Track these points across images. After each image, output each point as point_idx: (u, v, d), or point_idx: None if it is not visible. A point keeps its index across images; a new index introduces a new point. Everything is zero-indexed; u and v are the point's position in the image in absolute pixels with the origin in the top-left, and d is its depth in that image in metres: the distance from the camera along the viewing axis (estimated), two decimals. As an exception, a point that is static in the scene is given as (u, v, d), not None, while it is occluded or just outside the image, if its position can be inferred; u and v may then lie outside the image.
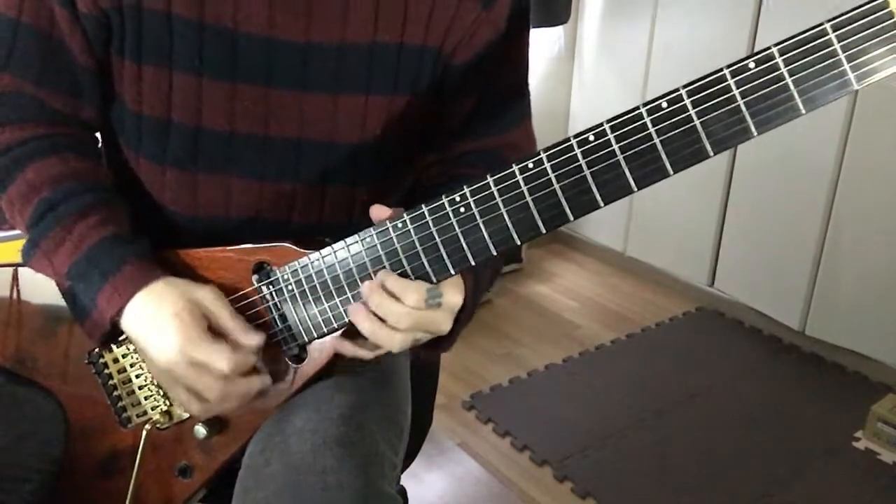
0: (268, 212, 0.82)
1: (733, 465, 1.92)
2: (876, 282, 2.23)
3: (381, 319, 0.70)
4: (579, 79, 3.08)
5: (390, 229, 0.70)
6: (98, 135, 0.86)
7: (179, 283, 0.74)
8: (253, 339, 0.73)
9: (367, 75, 0.79)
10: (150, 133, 0.79)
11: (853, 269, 2.28)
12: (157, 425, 0.80)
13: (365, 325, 0.70)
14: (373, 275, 0.71)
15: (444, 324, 0.71)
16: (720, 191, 2.60)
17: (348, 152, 0.82)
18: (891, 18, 0.53)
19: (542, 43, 2.96)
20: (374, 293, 0.69)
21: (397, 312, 0.69)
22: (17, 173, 0.77)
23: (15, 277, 0.82)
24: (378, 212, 0.71)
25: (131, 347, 0.80)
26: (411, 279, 0.70)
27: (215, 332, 0.73)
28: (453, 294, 0.71)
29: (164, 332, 0.71)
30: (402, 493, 1.07)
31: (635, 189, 0.62)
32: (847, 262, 2.29)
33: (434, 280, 0.70)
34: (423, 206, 0.68)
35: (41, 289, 0.81)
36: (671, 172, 0.60)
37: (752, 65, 0.57)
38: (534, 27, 3.03)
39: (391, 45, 0.79)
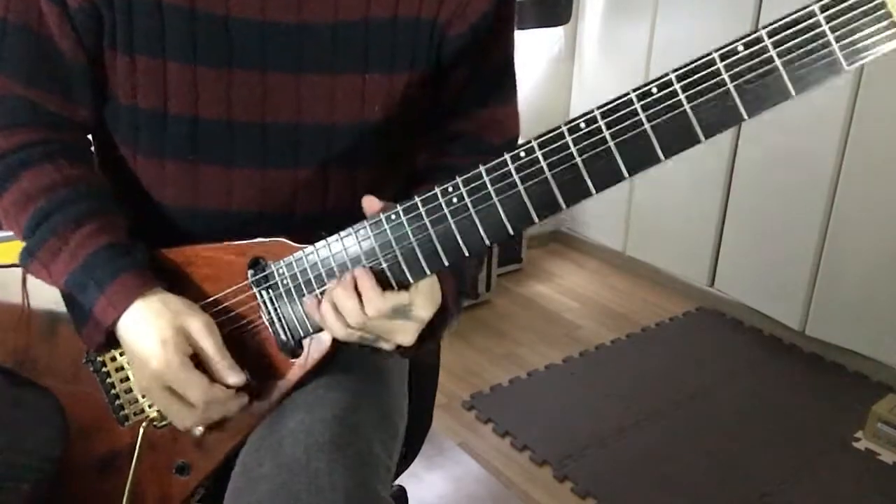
0: (270, 203, 0.82)
1: (733, 464, 1.91)
2: (876, 282, 2.23)
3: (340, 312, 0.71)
4: (579, 79, 3.08)
5: (384, 221, 0.70)
6: (90, 137, 0.86)
7: (173, 304, 0.74)
8: (234, 378, 0.74)
9: (364, 53, 0.79)
10: (148, 126, 0.79)
11: (853, 269, 2.28)
12: (154, 423, 0.80)
13: (324, 308, 0.72)
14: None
15: (403, 335, 0.72)
16: (720, 191, 2.59)
17: (348, 135, 0.81)
18: (878, -1, 0.53)
19: (542, 43, 2.96)
20: (341, 290, 0.70)
21: (355, 311, 0.70)
22: (11, 181, 0.76)
23: (24, 278, 0.82)
24: (370, 202, 0.71)
25: (129, 348, 0.80)
26: (404, 270, 0.70)
27: (200, 358, 0.74)
28: (423, 308, 0.72)
29: (146, 354, 0.72)
30: (403, 492, 1.07)
31: (626, 175, 0.62)
32: (847, 262, 2.29)
33: (428, 272, 0.70)
34: (416, 197, 0.68)
35: (42, 290, 0.80)
36: (662, 158, 0.60)
37: (740, 48, 0.57)
38: (534, 27, 3.03)
39: (385, 20, 0.79)
